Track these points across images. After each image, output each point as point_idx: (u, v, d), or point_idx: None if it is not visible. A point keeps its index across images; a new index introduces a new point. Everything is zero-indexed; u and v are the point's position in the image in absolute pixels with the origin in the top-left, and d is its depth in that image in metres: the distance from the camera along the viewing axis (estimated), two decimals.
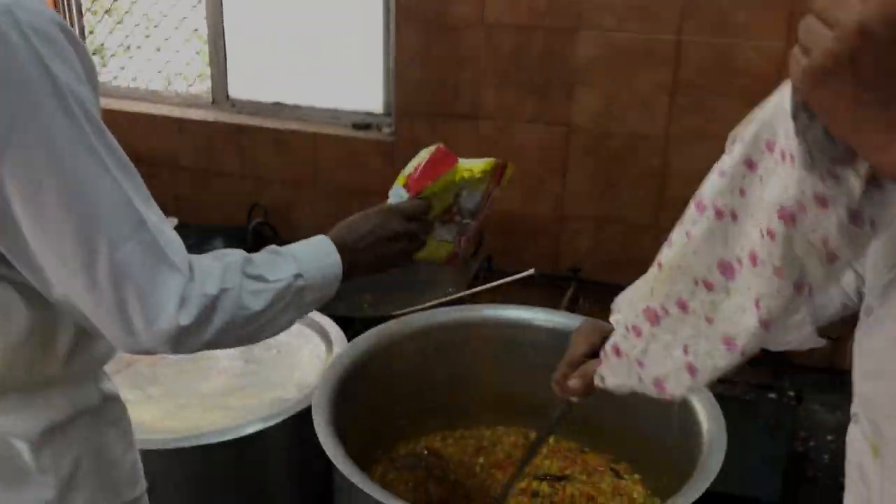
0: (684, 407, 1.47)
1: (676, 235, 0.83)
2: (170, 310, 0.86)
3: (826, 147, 0.61)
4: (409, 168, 1.26)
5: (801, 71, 0.56)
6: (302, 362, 1.66)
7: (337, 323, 1.75)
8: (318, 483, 1.59)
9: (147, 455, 1.37)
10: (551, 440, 1.72)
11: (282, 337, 1.74)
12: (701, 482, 1.22)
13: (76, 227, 0.81)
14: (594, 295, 2.61)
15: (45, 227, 0.81)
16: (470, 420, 1.71)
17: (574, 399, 1.09)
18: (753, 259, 0.72)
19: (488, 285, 2.03)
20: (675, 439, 1.48)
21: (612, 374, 0.96)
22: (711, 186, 0.77)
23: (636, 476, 1.60)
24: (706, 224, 0.77)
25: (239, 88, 2.98)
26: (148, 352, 0.91)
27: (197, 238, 2.75)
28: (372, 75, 2.78)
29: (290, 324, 1.04)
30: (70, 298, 0.85)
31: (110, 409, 1.02)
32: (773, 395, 2.03)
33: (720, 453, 1.28)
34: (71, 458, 0.96)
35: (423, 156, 1.27)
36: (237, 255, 0.98)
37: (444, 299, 1.99)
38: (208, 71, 3.00)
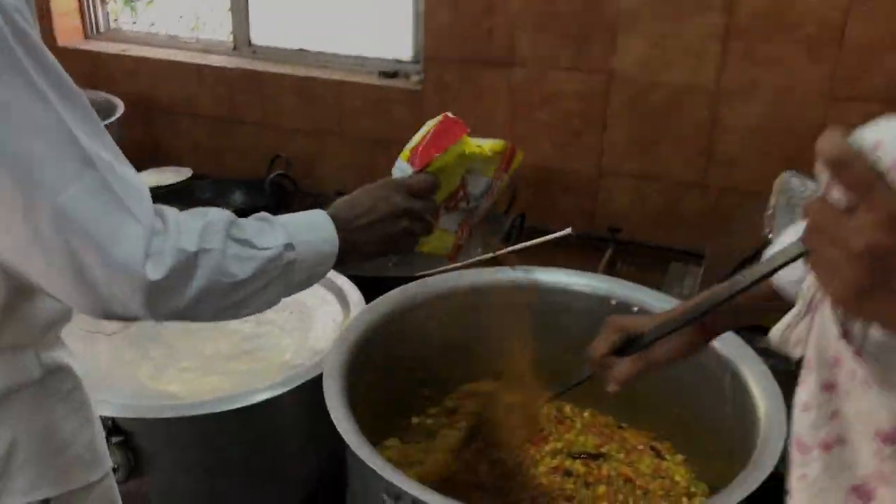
0: (737, 381, 1.32)
1: (794, 483, 0.76)
2: (134, 262, 0.74)
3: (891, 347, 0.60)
4: (414, 141, 1.12)
5: (836, 300, 0.55)
6: (316, 325, 1.53)
7: (356, 284, 1.62)
8: (331, 458, 1.48)
9: (143, 423, 1.27)
10: (586, 414, 1.58)
11: (296, 296, 1.63)
12: (758, 471, 1.07)
13: (8, 169, 0.68)
14: (634, 257, 2.45)
15: None
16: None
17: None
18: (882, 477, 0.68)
19: (521, 245, 1.87)
20: (727, 418, 1.34)
21: None
22: (802, 424, 0.74)
23: (679, 457, 1.47)
24: (819, 462, 0.73)
25: (261, 34, 2.83)
26: (118, 315, 0.78)
27: (215, 190, 2.64)
28: (400, 20, 2.60)
29: (275, 300, 0.92)
30: (14, 257, 0.72)
31: (57, 381, 0.90)
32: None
33: (779, 440, 1.13)
34: (4, 442, 0.84)
35: (430, 126, 1.13)
36: (221, 214, 0.85)
37: (472, 259, 1.85)
38: (230, 16, 2.86)
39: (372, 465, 1.05)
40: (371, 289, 1.59)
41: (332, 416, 1.13)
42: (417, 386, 1.50)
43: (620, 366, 0.99)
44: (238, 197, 2.60)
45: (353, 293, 1.59)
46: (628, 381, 0.99)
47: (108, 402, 1.27)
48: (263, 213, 0.94)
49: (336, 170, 2.72)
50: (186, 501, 1.36)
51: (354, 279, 1.64)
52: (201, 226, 0.81)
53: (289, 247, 0.90)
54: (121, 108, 2.62)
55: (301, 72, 2.71)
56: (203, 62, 2.83)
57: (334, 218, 0.98)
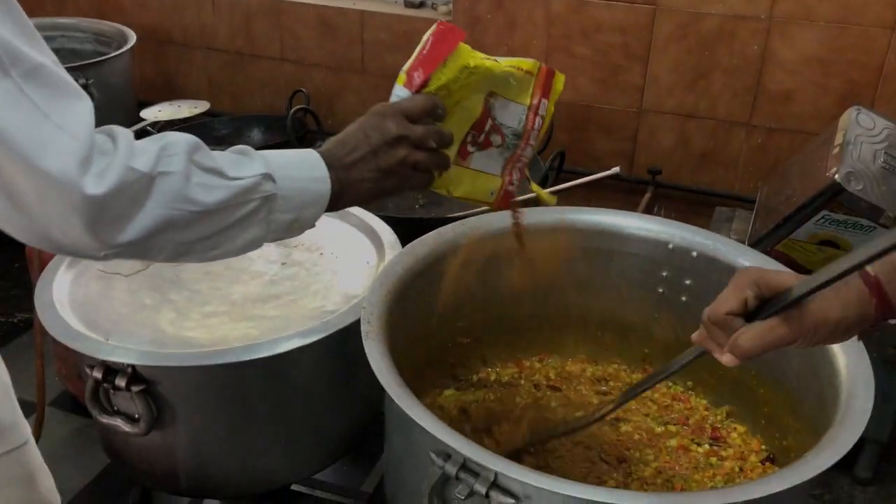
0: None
1: None
2: (67, 173, 0.65)
3: None
4: (410, 62, 0.99)
5: None
6: (348, 268, 1.42)
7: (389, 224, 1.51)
8: (365, 407, 1.38)
9: (163, 371, 1.18)
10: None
11: (325, 237, 1.53)
12: (848, 433, 0.96)
13: None
14: (674, 201, 2.32)
15: None
16: (543, 346, 1.48)
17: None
18: None
19: (565, 185, 1.74)
20: (790, 374, 1.23)
21: None
22: None
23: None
24: None
25: None
26: (59, 243, 0.69)
27: (232, 127, 2.51)
28: None
29: (255, 243, 0.82)
30: None
31: None
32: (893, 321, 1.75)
33: (868, 400, 1.02)
34: None
35: (424, 40, 1.00)
36: (183, 136, 0.75)
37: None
38: None
39: (420, 422, 0.95)
40: (402, 231, 1.48)
41: (374, 367, 1.03)
42: (458, 335, 1.39)
43: (750, 332, 0.79)
44: (257, 134, 2.47)
45: (386, 234, 1.47)
46: (760, 350, 0.79)
47: (126, 349, 1.18)
48: (242, 146, 0.83)
49: (358, 107, 2.58)
50: (212, 454, 1.27)
51: (385, 219, 1.53)
52: (158, 147, 0.72)
53: (267, 177, 0.79)
54: (132, 39, 2.48)
55: (321, 1, 2.56)
56: None
57: (324, 155, 0.88)
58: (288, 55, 2.65)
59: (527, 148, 1.09)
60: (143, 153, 0.71)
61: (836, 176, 1.54)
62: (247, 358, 1.17)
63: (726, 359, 0.82)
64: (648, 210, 2.25)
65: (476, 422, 1.26)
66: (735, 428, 1.32)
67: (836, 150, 1.60)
